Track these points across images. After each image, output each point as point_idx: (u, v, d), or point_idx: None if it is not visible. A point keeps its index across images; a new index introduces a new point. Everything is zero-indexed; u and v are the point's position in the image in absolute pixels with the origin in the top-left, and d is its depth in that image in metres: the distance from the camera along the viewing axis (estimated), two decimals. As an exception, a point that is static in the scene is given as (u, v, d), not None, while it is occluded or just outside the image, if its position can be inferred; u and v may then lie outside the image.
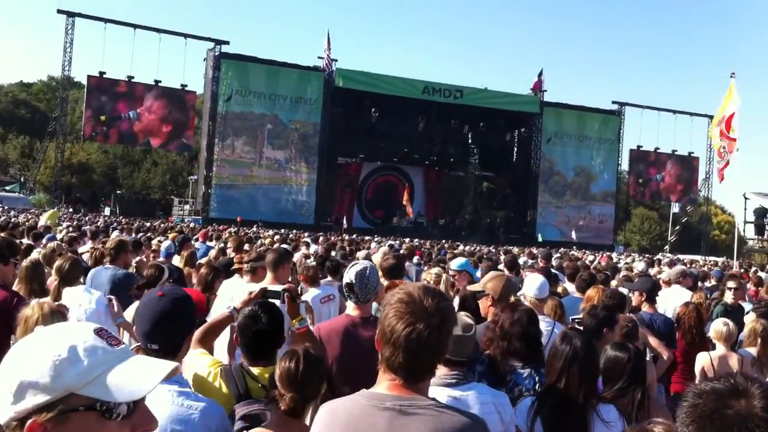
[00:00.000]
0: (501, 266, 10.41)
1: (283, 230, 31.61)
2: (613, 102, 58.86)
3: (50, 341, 1.46)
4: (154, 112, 48.19)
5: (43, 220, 16.75)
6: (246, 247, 13.68)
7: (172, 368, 1.57)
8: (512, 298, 5.20)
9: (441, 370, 3.42)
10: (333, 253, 12.19)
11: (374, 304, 4.45)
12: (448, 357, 3.34)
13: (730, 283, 9.07)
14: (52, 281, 5.76)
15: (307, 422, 2.97)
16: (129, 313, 5.31)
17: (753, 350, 6.40)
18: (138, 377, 1.49)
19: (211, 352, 4.40)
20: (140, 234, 16.61)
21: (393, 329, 2.10)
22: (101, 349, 1.49)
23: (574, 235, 52.19)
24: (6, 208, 38.02)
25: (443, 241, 33.28)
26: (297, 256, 11.44)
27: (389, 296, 2.21)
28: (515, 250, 27.38)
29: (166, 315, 2.88)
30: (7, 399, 1.37)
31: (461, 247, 24.09)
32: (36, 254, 8.11)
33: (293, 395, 2.94)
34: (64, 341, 1.46)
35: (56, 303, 4.59)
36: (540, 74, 55.79)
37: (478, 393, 3.35)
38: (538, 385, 4.03)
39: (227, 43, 47.68)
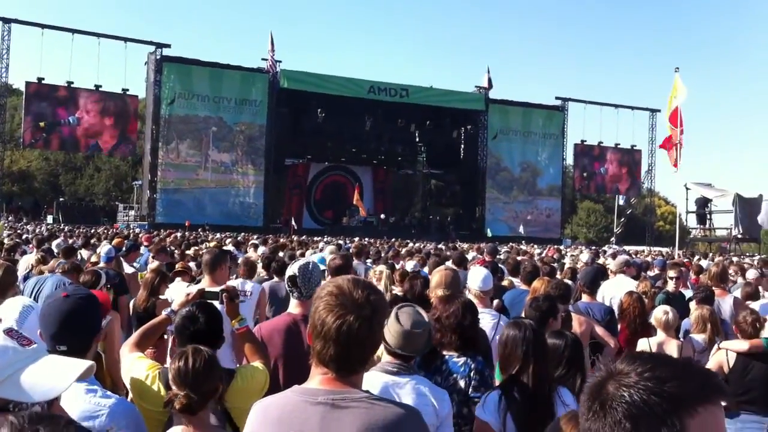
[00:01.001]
0: (449, 262, 10.45)
1: (231, 233, 31.33)
2: (557, 98, 59.68)
3: None
4: (95, 118, 47.34)
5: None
6: (191, 251, 13.57)
7: (86, 367, 1.53)
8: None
9: (386, 357, 3.42)
10: (281, 254, 12.11)
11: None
12: (395, 350, 3.35)
13: (671, 272, 9.28)
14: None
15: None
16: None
17: (702, 337, 6.52)
18: (51, 377, 1.45)
19: (150, 356, 4.33)
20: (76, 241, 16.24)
21: (323, 322, 2.07)
22: (12, 349, 1.46)
23: (522, 229, 52.76)
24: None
25: (393, 239, 33.34)
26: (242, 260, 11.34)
27: (319, 290, 2.18)
28: (465, 246, 27.57)
29: (73, 315, 2.82)
30: None
31: (411, 245, 24.13)
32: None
33: (186, 392, 2.87)
34: None
35: None
36: (488, 72, 56.23)
37: (416, 383, 3.34)
38: (473, 372, 4.04)
39: (168, 46, 47.00)
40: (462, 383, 3.99)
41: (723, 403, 1.30)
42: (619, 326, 7.01)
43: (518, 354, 3.64)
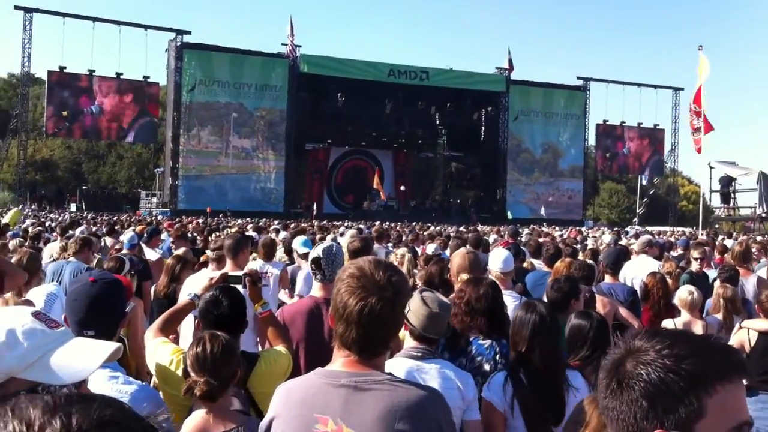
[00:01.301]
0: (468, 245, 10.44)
1: (253, 218, 31.48)
2: (578, 78, 59.21)
3: None
4: (117, 105, 47.67)
5: (5, 220, 16.46)
6: (213, 237, 13.64)
7: (114, 349, 1.55)
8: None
9: (410, 343, 3.42)
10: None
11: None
12: (420, 332, 3.35)
13: (695, 252, 9.21)
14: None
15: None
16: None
17: (719, 316, 6.49)
18: (80, 359, 1.47)
19: (175, 340, 4.36)
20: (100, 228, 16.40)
21: (345, 304, 2.07)
22: (40, 331, 1.48)
23: (543, 211, 52.55)
24: (-31, 208, 37.40)
25: (414, 223, 33.32)
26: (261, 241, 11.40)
27: (341, 272, 2.18)
28: (486, 228, 27.51)
29: (100, 300, 2.83)
30: None
31: (432, 228, 24.12)
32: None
33: (206, 379, 2.88)
34: (2, 325, 1.44)
35: (22, 298, 4.53)
36: (509, 53, 55.88)
37: (441, 367, 3.34)
38: (498, 355, 4.02)
39: (189, 33, 47.21)
40: (487, 366, 3.98)
41: (744, 382, 1.29)
42: (642, 307, 6.97)
43: (524, 335, 3.63)
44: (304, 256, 7.49)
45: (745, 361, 1.32)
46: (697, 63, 21.15)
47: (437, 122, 56.99)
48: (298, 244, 8.34)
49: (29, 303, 4.46)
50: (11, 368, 1.39)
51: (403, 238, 14.77)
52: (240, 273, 4.18)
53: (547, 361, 3.56)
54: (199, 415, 2.91)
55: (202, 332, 3.18)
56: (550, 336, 3.62)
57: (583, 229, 33.94)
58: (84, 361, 1.47)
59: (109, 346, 1.55)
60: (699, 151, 21.97)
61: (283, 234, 14.90)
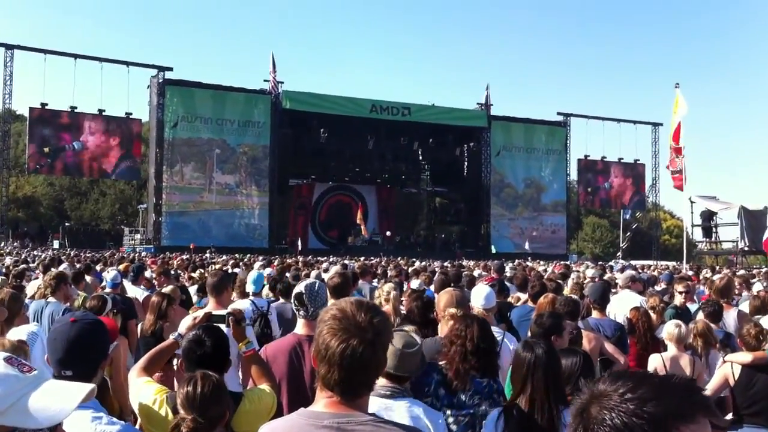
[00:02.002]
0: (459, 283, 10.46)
1: (237, 254, 31.36)
2: (558, 113, 59.99)
3: None
4: (98, 142, 47.62)
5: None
6: (196, 274, 13.58)
7: (88, 390, 1.55)
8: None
9: (380, 381, 3.41)
10: (287, 275, 12.13)
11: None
12: (388, 371, 3.35)
13: (679, 287, 9.25)
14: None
15: None
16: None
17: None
18: (55, 402, 1.47)
19: (161, 380, 4.33)
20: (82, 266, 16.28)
21: (327, 346, 2.07)
22: (13, 377, 1.48)
23: (527, 246, 52.71)
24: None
25: (399, 258, 33.32)
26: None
27: (323, 313, 2.19)
28: (471, 263, 27.54)
29: (79, 340, 2.83)
30: None
31: (417, 264, 24.12)
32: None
33: (194, 416, 2.89)
34: None
35: (17, 339, 4.50)
36: (487, 88, 56.46)
37: (410, 406, 3.34)
38: (495, 393, 4.07)
39: (171, 69, 47.40)
40: (486, 404, 4.01)
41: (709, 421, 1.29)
42: (628, 341, 6.98)
43: (521, 373, 3.65)
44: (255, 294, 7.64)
45: (706, 398, 1.30)
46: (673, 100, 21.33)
47: (420, 157, 57.35)
48: (249, 280, 8.31)
49: (23, 343, 4.44)
50: None
51: (389, 274, 14.76)
52: (224, 312, 4.17)
53: (539, 400, 3.57)
54: None
55: (194, 372, 3.17)
56: (546, 375, 3.63)
57: (568, 263, 34.05)
58: (60, 403, 1.47)
59: (83, 388, 1.55)
60: (680, 188, 22.07)
61: (267, 270, 14.85)
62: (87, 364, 2.83)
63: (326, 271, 14.17)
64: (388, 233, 53.09)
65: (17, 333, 4.92)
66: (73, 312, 2.90)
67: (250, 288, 8.04)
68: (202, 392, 2.95)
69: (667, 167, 22.39)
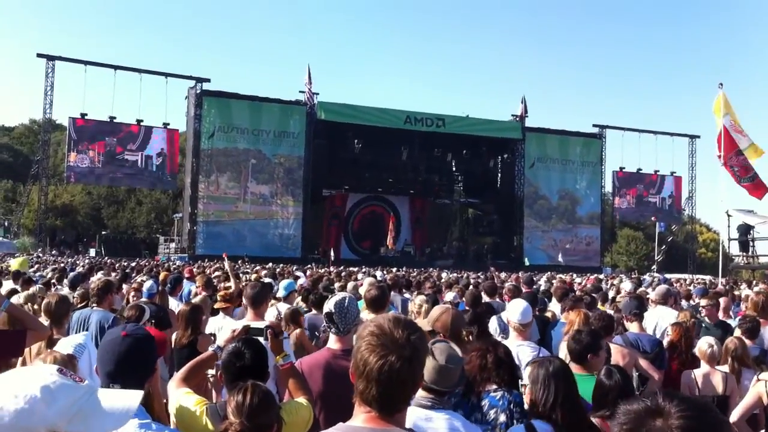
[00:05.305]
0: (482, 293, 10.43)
1: (270, 264, 31.51)
2: (594, 125, 59.49)
3: (21, 385, 1.49)
4: (138, 151, 48.20)
5: (14, 267, 16.33)
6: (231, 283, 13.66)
7: (141, 396, 1.61)
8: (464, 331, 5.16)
9: (420, 392, 3.41)
10: (319, 286, 12.17)
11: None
12: (430, 386, 3.36)
13: (703, 302, 9.18)
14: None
15: None
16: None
17: (726, 368, 6.42)
18: (113, 409, 1.53)
19: (197, 391, 4.40)
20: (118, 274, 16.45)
21: (366, 362, 2.12)
22: (71, 386, 1.53)
23: (561, 258, 52.33)
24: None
25: (432, 269, 33.25)
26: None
27: (361, 329, 2.24)
28: (503, 275, 27.40)
29: (130, 357, 2.88)
30: None
31: (449, 276, 24.06)
32: (17, 298, 8.07)
33: (241, 421, 2.97)
34: (35, 383, 1.49)
35: (66, 354, 4.59)
36: (523, 101, 56.21)
37: (450, 418, 3.35)
38: (512, 404, 4.06)
39: (208, 80, 47.90)
40: (503, 417, 4.00)
41: None
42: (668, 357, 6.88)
43: (539, 391, 3.67)
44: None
45: None
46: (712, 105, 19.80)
47: (453, 169, 57.08)
48: (281, 286, 8.36)
49: (72, 358, 4.53)
50: (54, 424, 1.45)
51: (421, 286, 14.72)
52: (262, 325, 4.23)
53: (563, 417, 3.57)
54: None
55: (231, 383, 3.25)
56: (564, 394, 3.64)
57: (601, 276, 33.70)
58: (117, 411, 1.53)
59: (136, 394, 1.62)
60: (760, 196, 20.25)
61: (302, 279, 14.93)
62: (135, 379, 2.87)
63: (361, 284, 14.18)
64: (415, 243, 52.80)
65: (65, 346, 5.02)
66: (125, 325, 2.95)
67: (280, 293, 8.10)
68: (251, 401, 3.03)
69: (737, 179, 19.94)
